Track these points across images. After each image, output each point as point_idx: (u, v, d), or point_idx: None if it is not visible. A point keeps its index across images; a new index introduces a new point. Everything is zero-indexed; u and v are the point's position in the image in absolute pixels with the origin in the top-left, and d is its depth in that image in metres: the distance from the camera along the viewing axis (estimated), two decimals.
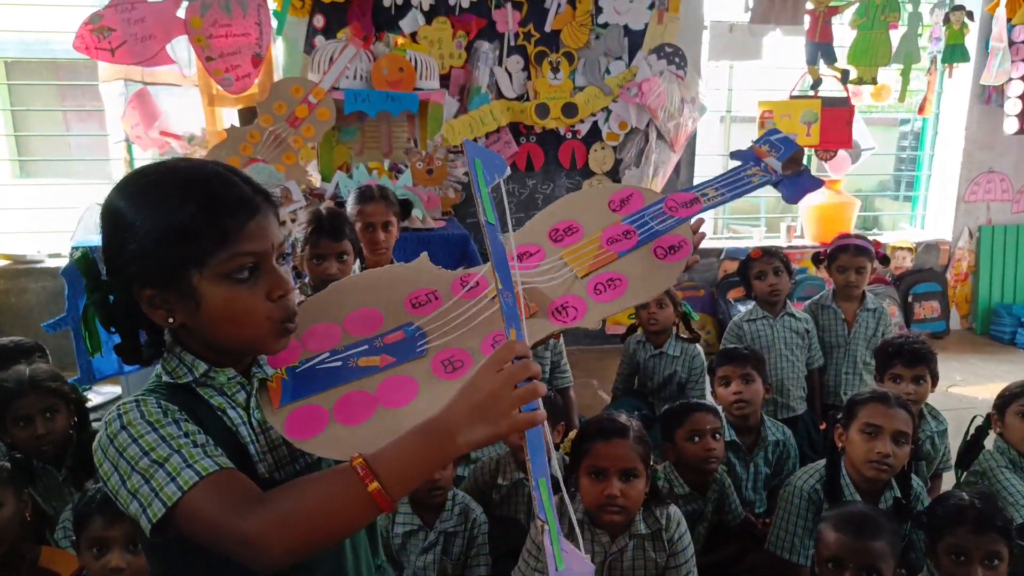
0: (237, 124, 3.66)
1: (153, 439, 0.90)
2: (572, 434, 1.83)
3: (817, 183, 1.25)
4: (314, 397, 1.02)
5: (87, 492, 1.74)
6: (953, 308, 5.14)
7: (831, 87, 4.63)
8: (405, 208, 2.86)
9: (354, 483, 0.83)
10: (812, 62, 4.52)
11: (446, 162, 3.66)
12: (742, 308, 4.02)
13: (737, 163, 1.34)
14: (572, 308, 1.11)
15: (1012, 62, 4.66)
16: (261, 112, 3.46)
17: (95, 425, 2.30)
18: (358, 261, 2.48)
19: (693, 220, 1.18)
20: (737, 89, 5.02)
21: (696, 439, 2.20)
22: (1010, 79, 4.69)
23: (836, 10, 4.43)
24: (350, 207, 2.69)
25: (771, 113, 4.64)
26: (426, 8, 4.05)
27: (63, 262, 3.16)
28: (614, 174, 4.49)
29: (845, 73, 4.52)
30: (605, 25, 4.27)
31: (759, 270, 2.98)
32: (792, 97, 4.66)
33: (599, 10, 4.25)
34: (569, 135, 4.40)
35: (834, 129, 4.62)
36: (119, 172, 4.19)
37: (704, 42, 4.55)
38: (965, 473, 2.33)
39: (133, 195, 0.95)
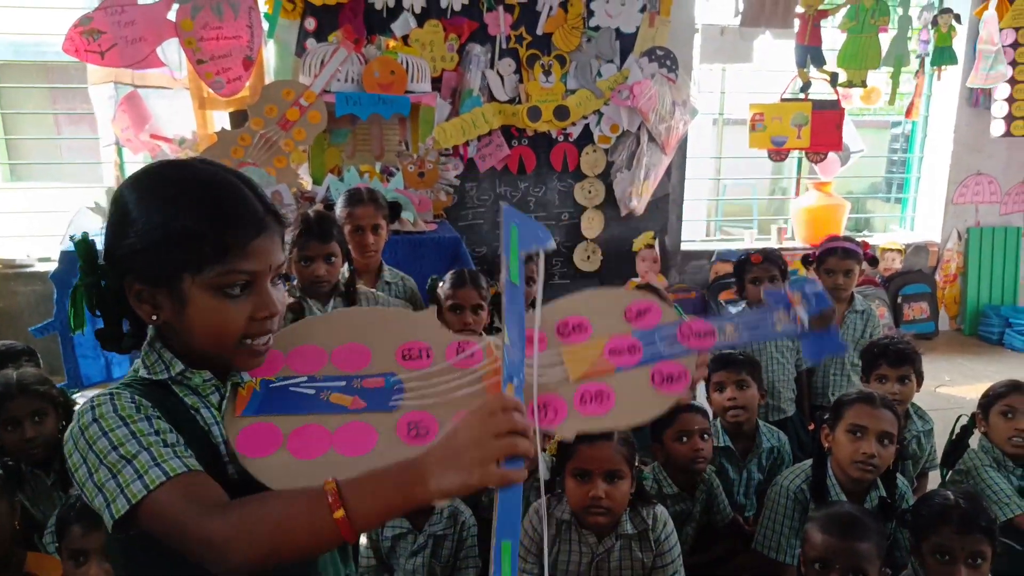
0: (228, 127, 3.66)
1: (124, 434, 0.90)
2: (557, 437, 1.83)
3: (842, 348, 1.18)
4: (276, 417, 1.02)
5: (69, 499, 1.74)
6: (942, 309, 5.17)
7: (822, 90, 4.66)
8: (394, 210, 2.87)
9: (322, 507, 0.83)
10: (802, 65, 4.54)
11: (437, 165, 3.66)
12: (733, 310, 4.04)
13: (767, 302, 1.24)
14: (552, 410, 1.06)
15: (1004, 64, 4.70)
16: (252, 115, 3.46)
17: None
18: (346, 264, 2.49)
19: (699, 354, 1.11)
20: (729, 92, 5.05)
21: (684, 439, 2.20)
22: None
23: (825, 13, 4.46)
24: (339, 210, 2.70)
25: (762, 115, 4.67)
26: (418, 11, 4.07)
27: (53, 266, 3.15)
28: (605, 177, 4.51)
29: (834, 76, 4.55)
30: (597, 28, 4.29)
31: (755, 275, 2.97)
32: (783, 100, 4.69)
33: (591, 13, 4.27)
34: (561, 138, 4.42)
35: (824, 132, 4.65)
36: (110, 175, 4.19)
37: (695, 45, 4.57)
38: (950, 472, 2.35)
39: (146, 189, 0.96)
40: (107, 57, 3.64)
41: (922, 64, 4.67)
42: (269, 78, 3.97)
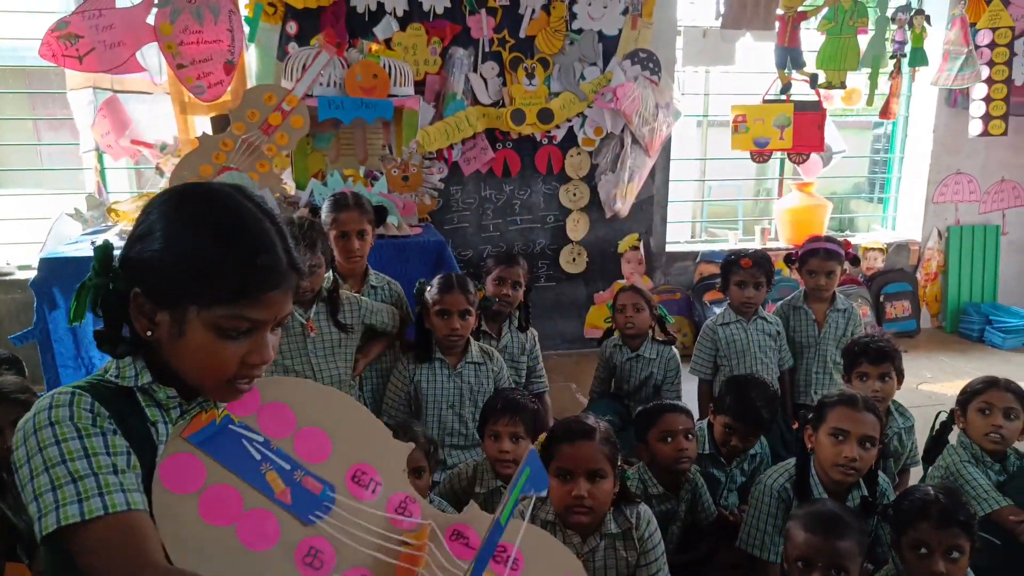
0: (210, 132, 3.64)
1: (76, 448, 0.89)
2: (541, 437, 1.84)
3: None
4: (211, 460, 1.01)
5: None
6: (923, 307, 5.22)
7: (804, 91, 4.69)
8: (380, 215, 2.87)
9: None
10: (782, 66, 4.58)
11: (421, 169, 3.66)
12: (718, 311, 4.06)
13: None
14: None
15: (978, 65, 4.75)
16: (234, 120, 3.45)
17: None
18: (331, 271, 2.48)
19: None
20: (712, 94, 5.08)
21: (668, 439, 2.22)
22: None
23: (805, 15, 4.50)
24: (324, 215, 2.69)
25: (744, 117, 4.70)
26: (400, 14, 4.07)
27: (33, 274, 3.12)
28: (590, 179, 4.53)
29: (814, 77, 4.59)
30: (579, 31, 4.31)
31: (741, 279, 2.99)
32: (765, 101, 4.72)
33: (573, 16, 4.28)
34: (545, 141, 4.42)
35: (806, 133, 4.68)
36: (91, 182, 4.16)
37: (678, 47, 4.60)
38: (930, 468, 2.37)
39: (183, 212, 0.97)
40: (85, 62, 3.61)
41: (898, 65, 4.71)
42: (251, 82, 3.95)
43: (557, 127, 4.38)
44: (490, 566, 1.09)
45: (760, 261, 2.99)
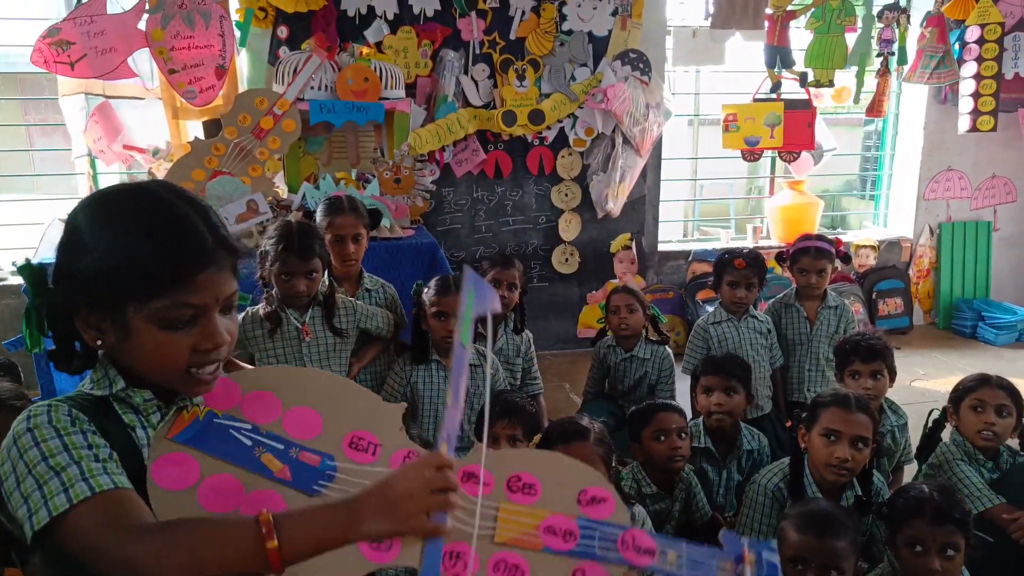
0: (202, 137, 3.64)
1: (55, 445, 0.90)
2: (536, 438, 1.85)
3: None
4: (202, 454, 1.01)
5: None
6: (916, 304, 5.24)
7: (794, 90, 4.71)
8: (374, 218, 2.88)
9: (255, 535, 0.84)
10: (771, 65, 4.60)
11: (413, 171, 3.67)
12: (710, 308, 4.07)
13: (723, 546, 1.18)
14: (463, 564, 1.03)
15: (964, 62, 4.77)
16: (226, 124, 3.45)
17: None
18: (327, 274, 2.49)
19: (629, 570, 1.09)
20: (703, 93, 5.09)
21: (662, 438, 2.23)
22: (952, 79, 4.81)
23: (794, 14, 4.52)
24: (319, 219, 2.70)
25: (735, 116, 4.71)
26: (390, 18, 4.07)
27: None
28: (582, 180, 4.54)
29: (803, 76, 4.61)
30: (569, 32, 4.32)
31: (733, 279, 3.00)
32: (755, 100, 4.74)
33: (563, 17, 4.29)
34: (536, 142, 4.43)
35: (797, 131, 4.70)
36: (83, 187, 4.15)
37: (668, 47, 4.61)
38: (924, 465, 2.39)
39: (98, 215, 0.96)
40: (77, 68, 3.60)
41: (885, 62, 4.73)
42: (242, 87, 3.95)
43: (548, 128, 4.39)
44: (506, 495, 1.11)
45: (753, 262, 3.00)
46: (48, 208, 4.14)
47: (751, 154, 4.77)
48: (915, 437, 2.60)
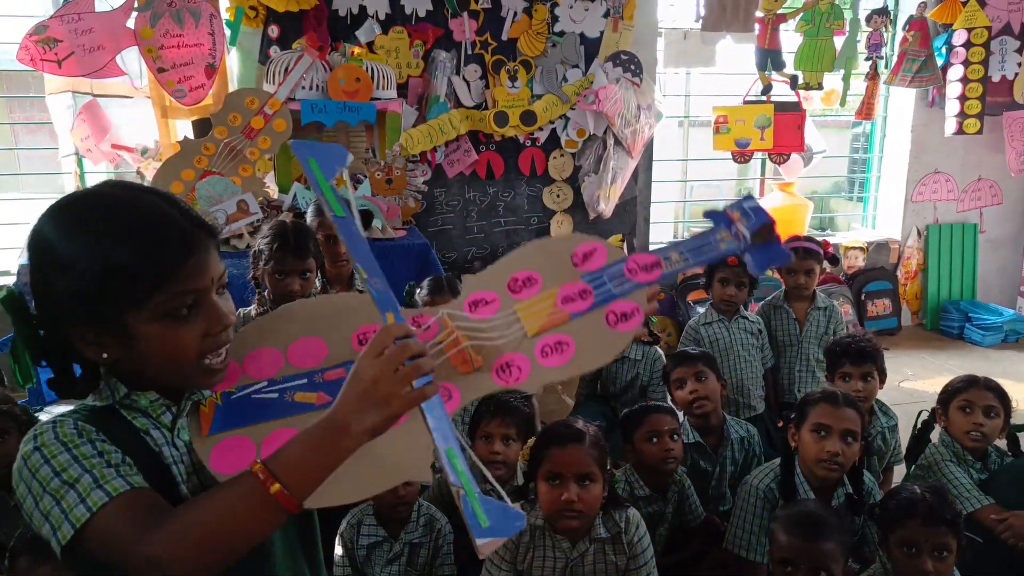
0: (191, 136, 3.62)
1: (65, 459, 0.88)
2: (530, 441, 1.85)
3: (786, 256, 1.20)
4: (244, 429, 1.01)
5: (22, 528, 1.71)
6: (904, 305, 5.28)
7: (784, 92, 4.73)
8: (365, 219, 2.87)
9: (256, 488, 0.83)
10: (762, 68, 4.62)
11: (405, 171, 3.66)
12: (701, 310, 4.09)
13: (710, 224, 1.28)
14: (516, 368, 1.08)
15: (951, 65, 4.81)
16: (216, 124, 3.43)
17: None
18: (319, 274, 2.48)
19: (648, 287, 1.14)
20: (694, 95, 5.11)
21: (654, 440, 2.23)
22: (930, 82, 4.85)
23: (784, 17, 4.54)
24: (310, 219, 2.69)
25: (725, 118, 4.73)
26: (382, 18, 4.05)
27: (11, 280, 3.08)
28: (573, 181, 4.54)
29: (794, 78, 4.63)
30: (561, 33, 4.32)
31: (724, 276, 3.02)
32: (746, 102, 4.76)
33: (555, 18, 4.29)
34: (528, 143, 4.43)
35: (786, 133, 4.73)
36: (70, 186, 4.11)
37: (659, 49, 4.62)
38: (913, 466, 2.40)
39: (67, 228, 0.91)
40: (64, 66, 3.57)
41: (874, 66, 4.77)
42: (233, 86, 3.92)
43: (540, 129, 4.39)
44: (514, 298, 1.15)
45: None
46: (34, 208, 4.10)
47: (741, 156, 4.79)
48: (904, 438, 2.62)
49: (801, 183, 5.16)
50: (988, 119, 4.86)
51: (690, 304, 4.70)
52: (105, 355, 0.94)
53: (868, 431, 2.34)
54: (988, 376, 2.37)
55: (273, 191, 3.65)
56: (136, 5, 3.56)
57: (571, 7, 4.28)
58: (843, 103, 4.82)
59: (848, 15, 4.59)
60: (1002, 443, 2.37)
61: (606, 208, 4.54)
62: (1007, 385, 2.39)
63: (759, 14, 4.47)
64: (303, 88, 3.55)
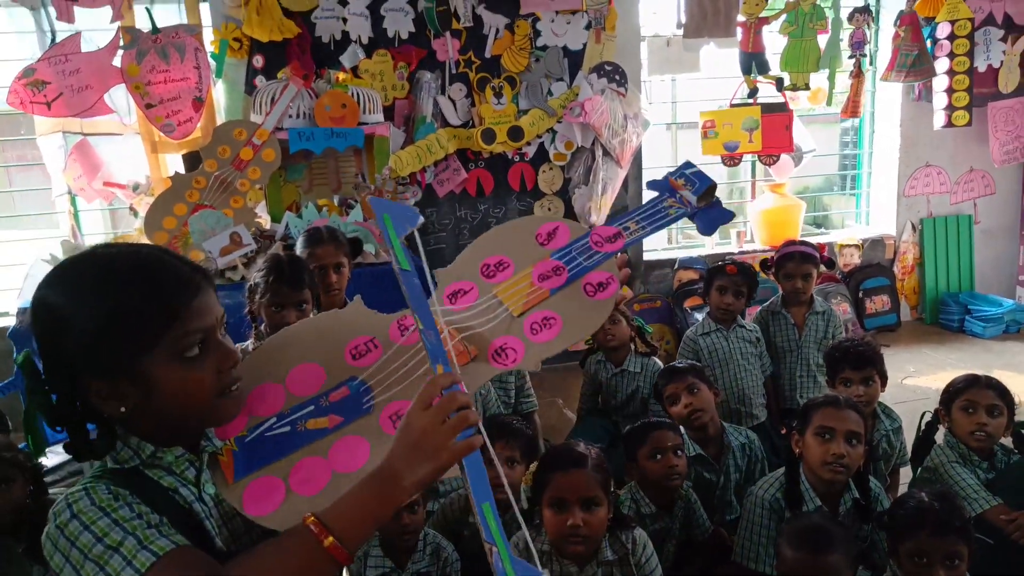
0: (182, 170, 3.63)
1: (106, 524, 0.88)
2: (533, 466, 1.84)
3: (729, 215, 1.30)
4: (268, 468, 1.02)
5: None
6: (902, 300, 5.27)
7: (770, 93, 4.74)
8: (355, 247, 2.87)
9: (310, 541, 0.86)
10: (747, 72, 4.63)
11: (396, 194, 3.66)
12: (699, 316, 4.08)
13: (654, 193, 1.39)
14: (511, 350, 1.12)
15: (936, 58, 4.83)
16: (205, 157, 3.43)
17: (54, 491, 2.26)
18: (315, 305, 2.47)
19: (618, 255, 1.22)
20: (680, 101, 5.12)
21: (658, 457, 2.22)
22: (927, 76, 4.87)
23: (767, 20, 4.55)
24: (300, 250, 2.68)
25: (713, 122, 4.74)
26: (365, 42, 4.07)
27: (10, 321, 3.08)
28: (563, 193, 4.54)
29: (779, 80, 4.64)
30: (544, 48, 4.33)
31: (723, 284, 3.02)
32: (732, 105, 4.76)
33: (537, 33, 4.30)
34: (517, 158, 4.44)
35: (775, 134, 4.73)
36: (65, 225, 4.12)
37: (643, 58, 4.64)
38: (920, 469, 2.39)
39: (69, 288, 0.94)
40: (54, 107, 3.59)
41: (858, 63, 4.79)
42: (220, 118, 3.94)
43: (528, 144, 4.40)
44: (491, 284, 1.21)
45: (745, 270, 3.03)
46: (30, 248, 4.10)
47: (731, 159, 4.79)
48: (909, 436, 2.61)
49: (792, 181, 5.17)
50: (976, 110, 4.88)
51: (687, 311, 4.69)
52: (123, 408, 0.94)
53: (872, 435, 2.34)
54: (991, 367, 2.37)
55: (265, 221, 3.65)
56: (121, 44, 3.58)
57: (552, 21, 4.30)
58: (830, 101, 4.83)
59: (830, 14, 4.60)
60: (1007, 441, 2.36)
61: (598, 219, 4.54)
62: (1010, 377, 2.39)
63: (741, 18, 4.48)
64: (290, 117, 3.55)
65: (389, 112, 4.10)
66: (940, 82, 4.87)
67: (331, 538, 0.86)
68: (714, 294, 3.06)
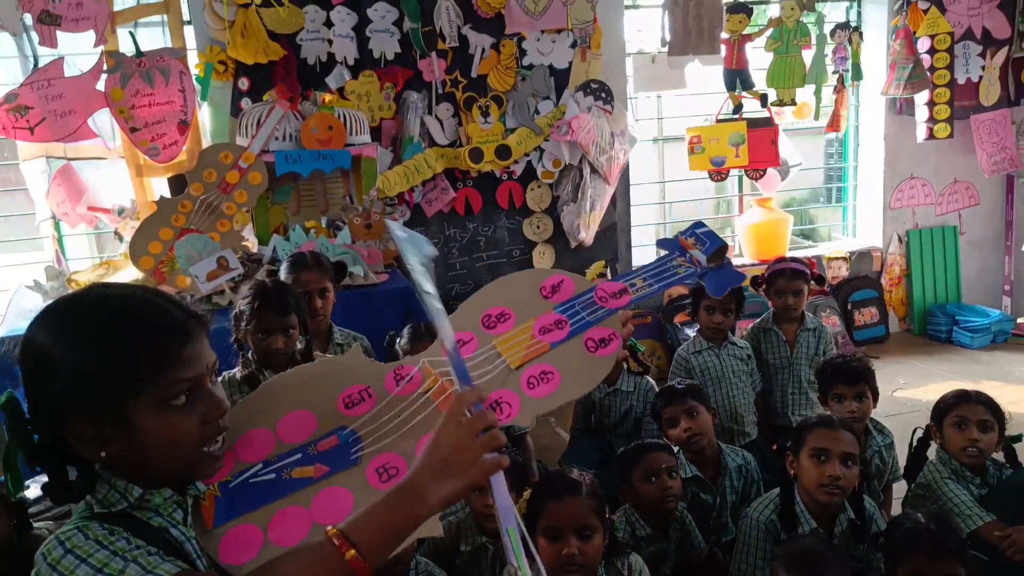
0: (168, 194, 3.60)
1: (104, 556, 0.87)
2: (526, 493, 1.82)
3: (740, 277, 1.29)
4: (248, 516, 1.01)
5: None
6: (891, 312, 5.30)
7: (756, 108, 4.77)
8: (340, 271, 2.85)
9: (332, 554, 0.86)
10: (731, 88, 4.66)
11: (384, 215, 3.65)
12: (689, 332, 4.08)
13: (664, 252, 1.36)
14: (506, 404, 1.10)
15: (926, 73, 4.88)
16: (191, 180, 3.41)
17: (37, 524, 2.22)
18: (302, 330, 2.45)
19: (621, 312, 1.19)
20: (666, 116, 5.14)
21: (652, 479, 2.20)
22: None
23: (749, 37, 4.59)
24: (284, 276, 2.67)
25: (699, 138, 4.76)
26: (351, 63, 4.07)
27: None
28: (552, 211, 4.54)
29: (764, 97, 4.67)
30: (530, 67, 4.34)
31: (710, 304, 3.01)
32: (718, 121, 4.79)
33: (523, 52, 4.32)
34: (505, 176, 4.44)
35: (761, 149, 4.76)
36: (49, 250, 4.08)
37: (628, 75, 4.66)
38: (913, 485, 2.39)
39: (59, 329, 0.93)
40: (37, 132, 3.56)
41: (841, 79, 4.84)
42: (206, 140, 3.91)
43: (515, 162, 4.40)
44: (491, 335, 1.19)
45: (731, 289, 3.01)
46: (13, 274, 4.05)
47: (718, 174, 4.81)
48: (901, 450, 2.60)
49: (779, 196, 5.19)
50: (958, 123, 4.93)
51: (677, 326, 4.69)
52: (104, 453, 0.93)
53: (864, 452, 2.33)
54: (981, 378, 2.37)
55: (252, 244, 3.62)
56: (105, 68, 3.55)
57: (538, 40, 4.31)
58: (817, 116, 4.87)
59: (815, 31, 4.65)
60: (999, 455, 2.36)
61: (587, 236, 4.54)
62: (1000, 387, 2.40)
63: (724, 36, 4.51)
64: (276, 139, 3.54)
65: (376, 133, 4.10)
66: (921, 95, 4.92)
67: (353, 551, 0.85)
68: (702, 314, 3.05)
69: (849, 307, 5.07)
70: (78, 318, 0.94)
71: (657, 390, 3.04)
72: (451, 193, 4.36)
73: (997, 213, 5.46)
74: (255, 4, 3.85)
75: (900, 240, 5.30)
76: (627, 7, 4.63)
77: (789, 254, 4.81)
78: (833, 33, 4.76)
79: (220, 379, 2.33)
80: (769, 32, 4.60)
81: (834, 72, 4.82)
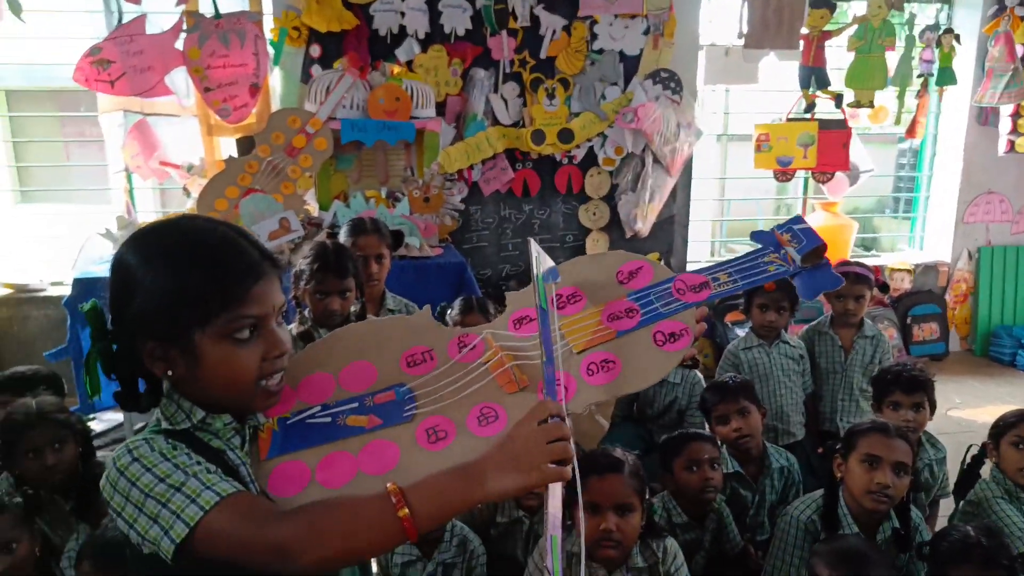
0: (235, 154, 3.68)
1: (167, 467, 0.93)
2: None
3: (837, 281, 1.15)
4: (300, 453, 1.04)
5: (93, 532, 1.77)
6: (952, 330, 5.12)
7: (829, 109, 4.65)
8: (397, 239, 2.89)
9: (387, 507, 0.89)
10: (805, 86, 4.55)
11: (442, 189, 3.67)
12: (740, 331, 4.01)
13: (757, 245, 1.27)
14: (562, 387, 1.06)
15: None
16: (259, 142, 3.48)
17: (100, 454, 2.32)
18: (358, 294, 2.49)
19: (697, 308, 1.12)
20: (734, 112, 5.05)
21: (694, 469, 2.18)
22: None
23: (830, 34, 4.47)
24: (343, 239, 2.71)
25: (767, 136, 4.66)
26: (422, 36, 4.09)
27: (65, 291, 3.18)
28: (610, 199, 4.51)
29: (839, 97, 4.55)
30: (600, 51, 4.31)
31: (764, 301, 2.96)
32: (789, 119, 4.68)
33: (594, 36, 4.28)
34: (565, 160, 4.42)
35: (831, 151, 4.63)
36: (119, 201, 4.22)
37: (700, 66, 4.58)
38: (962, 502, 2.31)
39: (145, 253, 0.99)
40: (116, 86, 3.67)
41: (924, 83, 4.66)
42: (275, 105, 3.99)
43: (577, 147, 4.38)
44: (559, 315, 1.14)
45: (784, 286, 2.95)
46: (85, 221, 4.20)
47: (783, 174, 4.71)
48: (951, 469, 2.52)
49: (845, 201, 5.05)
50: None
51: (728, 325, 4.61)
52: (170, 372, 0.99)
53: (915, 464, 2.26)
54: None
55: (314, 208, 3.69)
56: (184, 27, 3.64)
57: (611, 25, 4.27)
58: (898, 120, 4.72)
59: (903, 31, 4.49)
60: None
61: (643, 227, 4.49)
62: None
63: (804, 31, 4.40)
64: (344, 107, 3.59)
65: (441, 108, 4.12)
66: (1006, 107, 4.72)
67: (407, 511, 0.88)
68: (756, 312, 3.00)
69: (908, 321, 4.92)
70: (162, 246, 1.00)
71: (704, 384, 3.01)
72: (510, 173, 4.36)
73: None
74: None
75: (970, 256, 5.11)
76: None
77: None
78: (922, 34, 4.59)
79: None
80: (853, 30, 4.47)
81: (919, 76, 4.65)
